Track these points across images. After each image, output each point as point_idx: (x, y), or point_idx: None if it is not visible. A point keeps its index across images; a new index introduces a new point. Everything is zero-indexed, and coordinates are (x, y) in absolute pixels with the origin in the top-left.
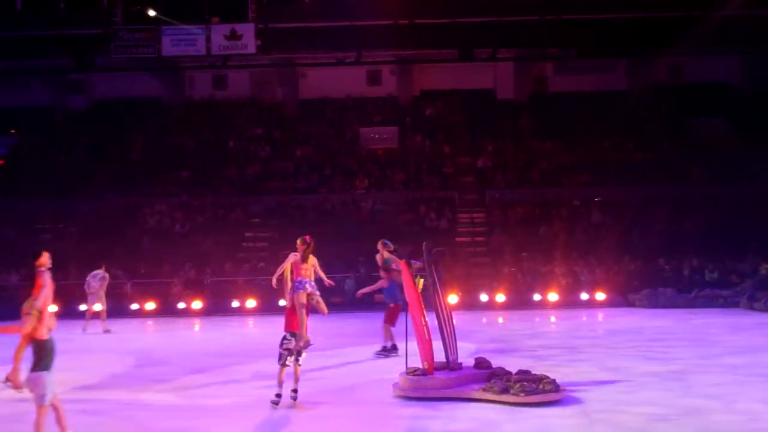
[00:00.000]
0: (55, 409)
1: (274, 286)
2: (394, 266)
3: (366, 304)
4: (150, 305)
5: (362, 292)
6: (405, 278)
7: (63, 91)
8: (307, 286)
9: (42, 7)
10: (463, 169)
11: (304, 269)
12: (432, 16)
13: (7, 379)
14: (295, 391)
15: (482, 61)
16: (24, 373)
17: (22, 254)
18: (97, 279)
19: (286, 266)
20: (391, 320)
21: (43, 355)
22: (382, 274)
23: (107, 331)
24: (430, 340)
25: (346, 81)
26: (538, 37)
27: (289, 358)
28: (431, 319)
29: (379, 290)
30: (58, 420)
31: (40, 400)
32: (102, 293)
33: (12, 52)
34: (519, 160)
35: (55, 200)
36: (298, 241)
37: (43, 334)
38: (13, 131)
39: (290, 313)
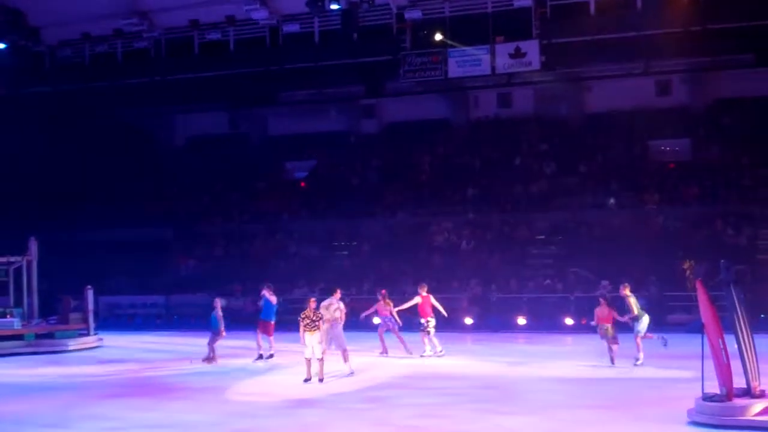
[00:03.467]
0: None
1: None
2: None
3: (658, 325)
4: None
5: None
6: (701, 298)
7: (356, 117)
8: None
9: (337, 38)
10: (764, 181)
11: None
12: (725, 21)
13: None
14: None
15: None
16: None
17: (322, 271)
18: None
19: None
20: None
21: None
22: None
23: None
24: (728, 364)
25: (633, 93)
26: None
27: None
28: (730, 342)
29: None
30: None
31: None
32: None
33: (311, 81)
34: None
35: (349, 220)
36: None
37: None
38: (311, 156)
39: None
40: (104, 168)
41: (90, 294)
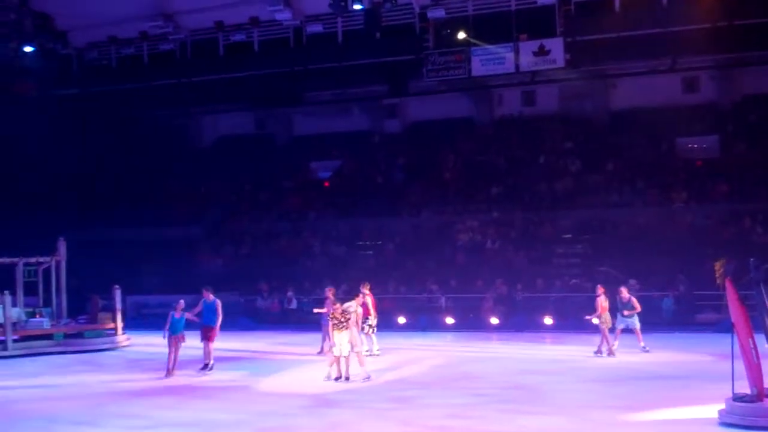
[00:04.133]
0: None
1: None
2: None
3: (686, 324)
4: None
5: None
6: (730, 297)
7: (380, 116)
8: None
9: (360, 38)
10: None
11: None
12: (752, 17)
13: None
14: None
15: None
16: None
17: (347, 270)
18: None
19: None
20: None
21: None
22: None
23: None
24: (759, 364)
25: (659, 90)
26: None
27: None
28: (760, 342)
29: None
30: None
31: None
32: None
33: (335, 81)
34: None
35: (374, 219)
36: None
37: None
38: (336, 155)
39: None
40: (132, 168)
41: (118, 293)
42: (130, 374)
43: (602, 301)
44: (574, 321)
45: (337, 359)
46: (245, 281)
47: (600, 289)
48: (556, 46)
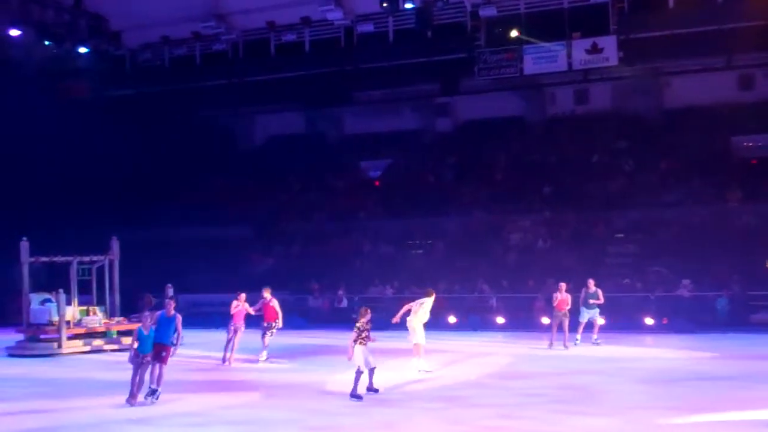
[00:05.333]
0: None
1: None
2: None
3: (740, 325)
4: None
5: None
6: None
7: (430, 115)
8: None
9: (411, 37)
10: None
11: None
12: None
13: None
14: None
15: None
16: None
17: (397, 269)
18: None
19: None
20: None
21: None
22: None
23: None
24: None
25: (714, 87)
26: None
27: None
28: None
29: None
30: None
31: None
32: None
33: (386, 80)
34: None
35: (424, 218)
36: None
37: None
38: (386, 154)
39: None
40: (185, 168)
41: (170, 292)
42: (181, 372)
43: (567, 298)
44: (625, 321)
45: (360, 373)
46: (296, 280)
47: (563, 286)
48: (609, 43)
